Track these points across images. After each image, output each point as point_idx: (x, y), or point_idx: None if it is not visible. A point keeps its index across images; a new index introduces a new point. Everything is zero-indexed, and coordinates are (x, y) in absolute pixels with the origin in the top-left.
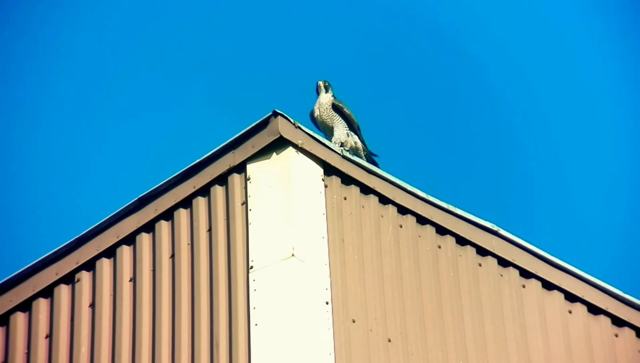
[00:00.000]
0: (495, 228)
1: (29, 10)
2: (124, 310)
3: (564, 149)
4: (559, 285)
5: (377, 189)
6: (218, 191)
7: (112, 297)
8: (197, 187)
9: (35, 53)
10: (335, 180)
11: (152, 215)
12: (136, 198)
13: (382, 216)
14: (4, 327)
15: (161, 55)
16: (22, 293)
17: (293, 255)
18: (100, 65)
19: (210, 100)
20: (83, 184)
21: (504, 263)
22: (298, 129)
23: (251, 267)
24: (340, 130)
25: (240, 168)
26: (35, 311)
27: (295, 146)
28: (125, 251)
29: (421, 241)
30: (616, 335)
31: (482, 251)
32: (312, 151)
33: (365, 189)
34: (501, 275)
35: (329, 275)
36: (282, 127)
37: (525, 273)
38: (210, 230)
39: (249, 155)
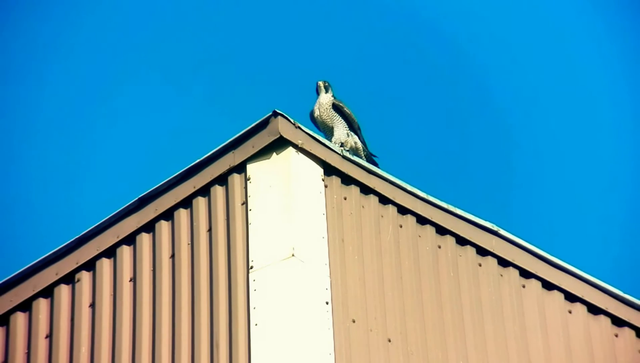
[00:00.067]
0: (495, 228)
1: (29, 10)
2: (124, 310)
3: (564, 149)
4: (559, 285)
5: (377, 189)
6: (218, 191)
7: (112, 297)
8: (197, 187)
9: (35, 53)
10: (335, 180)
11: (152, 215)
12: (136, 198)
13: (382, 216)
14: (4, 327)
15: (161, 55)
16: (22, 293)
17: (293, 255)
18: (100, 65)
19: (210, 100)
20: (83, 184)
21: (504, 263)
22: (298, 129)
23: (251, 267)
24: (340, 130)
25: (241, 168)
26: (35, 312)
27: (295, 146)
28: (125, 251)
29: (421, 241)
30: (616, 335)
31: (482, 251)
32: (312, 151)
33: (365, 189)
34: (501, 275)
35: (329, 275)
36: (282, 127)
37: (525, 273)
38: (210, 230)
39: (249, 155)
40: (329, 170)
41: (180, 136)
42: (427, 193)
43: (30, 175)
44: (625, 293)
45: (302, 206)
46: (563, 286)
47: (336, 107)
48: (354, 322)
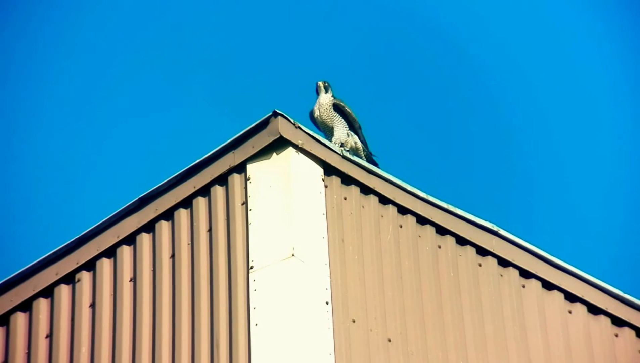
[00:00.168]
0: (495, 228)
1: (29, 10)
2: (124, 310)
3: (564, 149)
4: (559, 285)
5: (377, 189)
6: (218, 191)
7: (112, 297)
8: (198, 187)
9: (36, 53)
10: (335, 180)
11: (152, 215)
12: (136, 198)
13: (382, 216)
14: (5, 327)
15: (161, 55)
16: (23, 293)
17: (293, 255)
18: (100, 65)
19: (210, 100)
20: (83, 184)
21: (504, 263)
22: (298, 130)
23: (251, 267)
24: (341, 130)
25: (241, 168)
26: (35, 312)
27: (296, 146)
28: (125, 251)
29: (421, 241)
30: (616, 335)
31: (482, 251)
32: (312, 151)
33: (365, 190)
34: (501, 275)
35: (329, 275)
36: (282, 127)
37: (525, 273)
38: (210, 230)
39: (249, 155)
40: (329, 170)
41: (181, 136)
42: (427, 193)
43: (30, 175)
44: (625, 293)
45: (302, 206)
46: (563, 286)
47: (337, 107)
48: (354, 322)
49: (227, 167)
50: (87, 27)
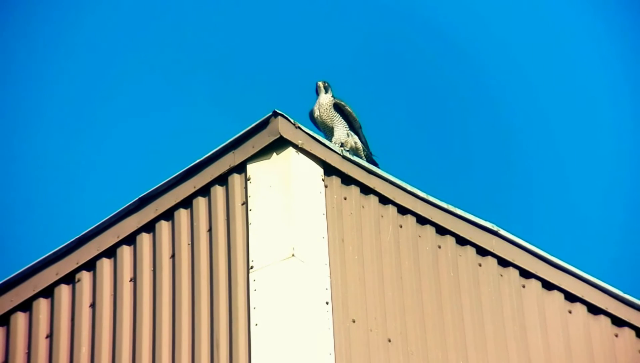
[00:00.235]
0: (495, 228)
1: (29, 10)
2: (125, 310)
3: (564, 149)
4: (559, 285)
5: (377, 189)
6: (218, 191)
7: (112, 297)
8: (198, 187)
9: (36, 53)
10: (336, 180)
11: (152, 215)
12: (136, 198)
13: (382, 216)
14: (5, 327)
15: (161, 55)
16: (23, 293)
17: (293, 255)
18: (100, 65)
19: (210, 100)
20: (83, 184)
21: (504, 263)
22: (298, 130)
23: (251, 267)
24: (341, 130)
25: (241, 168)
26: (35, 312)
27: (296, 146)
28: (125, 251)
29: (421, 241)
30: (616, 335)
31: (482, 251)
32: (312, 151)
33: (365, 190)
34: (501, 275)
35: (329, 275)
36: (282, 127)
37: (525, 273)
38: (210, 230)
39: (249, 155)
40: (329, 170)
41: (181, 136)
42: (427, 193)
43: (30, 175)
44: (625, 293)
45: (302, 206)
46: (563, 286)
47: (337, 107)
48: (354, 322)
49: (227, 167)
50: (87, 27)
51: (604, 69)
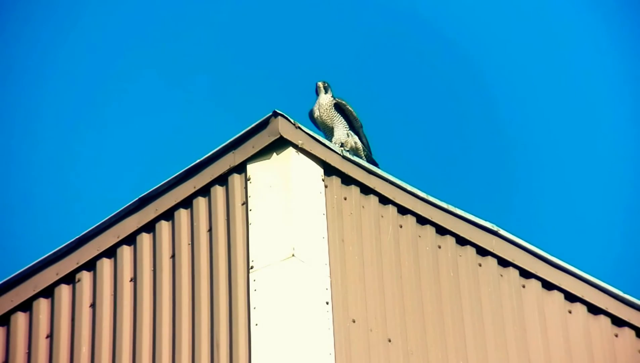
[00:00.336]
0: (495, 228)
1: (30, 10)
2: (125, 310)
3: (564, 149)
4: (559, 285)
5: (377, 189)
6: (218, 191)
7: (112, 297)
8: (198, 187)
9: (36, 53)
10: (336, 180)
11: (152, 215)
12: (137, 198)
13: (382, 216)
14: (5, 327)
15: (161, 55)
16: (23, 293)
17: (293, 255)
18: (100, 65)
19: (210, 100)
20: (84, 184)
21: (504, 263)
22: (298, 130)
23: (251, 267)
24: (341, 130)
25: (241, 168)
26: (35, 312)
27: (296, 147)
28: (125, 252)
29: (421, 241)
30: (616, 335)
31: (482, 251)
32: (312, 151)
33: (365, 190)
34: (501, 275)
35: (329, 275)
36: (282, 127)
37: (525, 273)
38: (210, 230)
39: (249, 155)
40: (329, 170)
41: (181, 136)
42: (427, 193)
43: (30, 175)
44: (625, 293)
45: (302, 206)
46: (563, 286)
47: (338, 106)
48: (354, 322)
49: (227, 167)
50: (87, 27)
51: (603, 69)
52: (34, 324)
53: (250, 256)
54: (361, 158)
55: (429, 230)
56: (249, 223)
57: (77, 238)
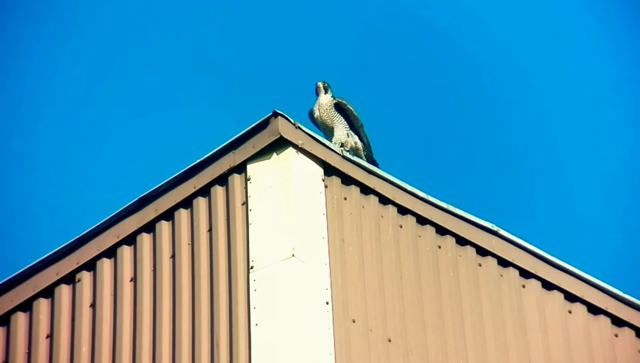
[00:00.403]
0: (495, 228)
1: (31, 10)
2: (125, 310)
3: (564, 149)
4: (559, 285)
5: (377, 189)
6: (218, 191)
7: (112, 297)
8: (198, 187)
9: (36, 53)
10: (336, 180)
11: (152, 215)
12: (137, 198)
13: (382, 216)
14: (5, 327)
15: (162, 55)
16: (23, 293)
17: (293, 255)
18: (101, 65)
19: (210, 100)
20: (84, 184)
21: (504, 263)
22: (298, 130)
23: (251, 267)
24: (341, 130)
25: (241, 168)
26: (36, 312)
27: (296, 147)
28: (125, 252)
29: (421, 241)
30: (616, 335)
31: (482, 251)
32: (312, 152)
33: (365, 190)
34: (501, 275)
35: (329, 275)
36: (283, 127)
37: (525, 273)
38: (210, 230)
39: (249, 155)
40: (329, 170)
41: (181, 136)
42: (427, 193)
43: (30, 175)
44: (625, 293)
45: (302, 206)
46: (563, 286)
47: (338, 106)
48: (354, 322)
49: (227, 167)
50: (87, 27)
51: (603, 69)
52: (34, 324)
53: (250, 256)
54: (361, 157)
55: (429, 230)
56: (249, 223)
57: (77, 238)
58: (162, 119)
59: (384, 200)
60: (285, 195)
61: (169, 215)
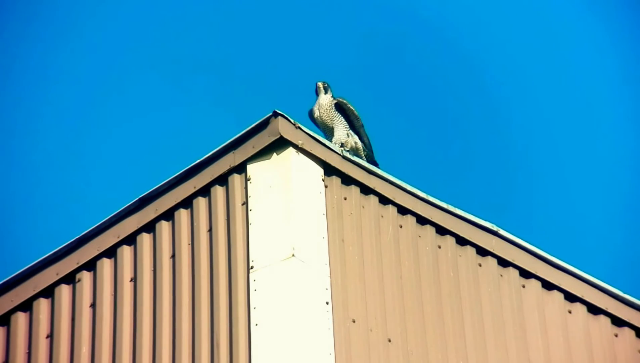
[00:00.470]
0: (495, 228)
1: (31, 10)
2: (125, 310)
3: (564, 149)
4: (559, 285)
5: (377, 189)
6: (218, 191)
7: (112, 297)
8: (198, 187)
9: (36, 53)
10: (336, 180)
11: (152, 215)
12: (137, 198)
13: (382, 216)
14: (5, 327)
15: (162, 55)
16: (23, 293)
17: (293, 255)
18: (101, 65)
19: (210, 100)
20: (84, 184)
21: (503, 263)
22: (298, 130)
23: (251, 267)
24: (341, 130)
25: (241, 168)
26: (36, 312)
27: (296, 147)
28: (125, 252)
29: (421, 241)
30: (616, 335)
31: (482, 251)
32: (312, 152)
33: (365, 190)
34: (501, 275)
35: (329, 275)
36: (283, 127)
37: (525, 273)
38: (210, 230)
39: (249, 155)
40: (329, 170)
41: (181, 136)
42: (427, 193)
43: (30, 175)
44: (625, 293)
45: (302, 206)
46: (563, 286)
47: (338, 106)
48: (354, 322)
49: (228, 167)
50: (88, 27)
51: (603, 69)
52: (34, 324)
53: (250, 256)
54: (361, 158)
55: (429, 230)
56: (249, 223)
57: (77, 238)
58: (162, 119)
59: (384, 200)
60: (285, 195)
61: (169, 215)
